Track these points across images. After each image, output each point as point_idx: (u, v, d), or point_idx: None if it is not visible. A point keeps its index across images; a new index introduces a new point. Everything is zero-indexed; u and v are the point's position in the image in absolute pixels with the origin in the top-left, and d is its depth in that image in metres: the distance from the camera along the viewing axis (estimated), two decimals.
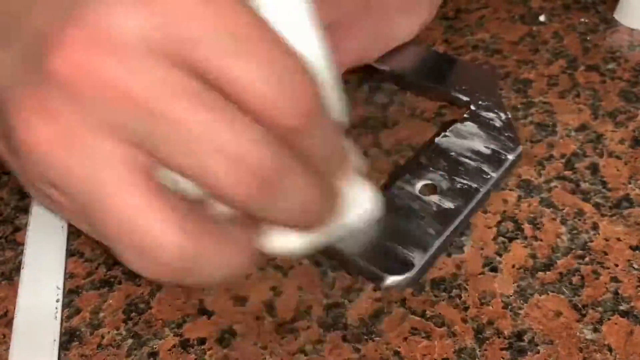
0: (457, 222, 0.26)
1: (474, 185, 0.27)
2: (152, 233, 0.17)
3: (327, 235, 0.21)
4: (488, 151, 0.29)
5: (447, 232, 0.26)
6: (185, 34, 0.16)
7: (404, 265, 0.24)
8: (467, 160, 0.28)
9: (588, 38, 0.37)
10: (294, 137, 0.18)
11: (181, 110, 0.16)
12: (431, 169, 0.28)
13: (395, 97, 0.34)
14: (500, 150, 0.29)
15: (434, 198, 0.27)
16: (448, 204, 0.26)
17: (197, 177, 0.17)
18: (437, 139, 0.30)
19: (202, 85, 0.16)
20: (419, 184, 0.27)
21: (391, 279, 0.24)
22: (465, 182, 0.27)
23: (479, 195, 0.27)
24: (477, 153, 0.28)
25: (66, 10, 0.17)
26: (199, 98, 0.16)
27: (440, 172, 0.28)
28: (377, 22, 0.33)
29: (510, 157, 0.28)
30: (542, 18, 0.38)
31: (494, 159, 0.28)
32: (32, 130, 0.17)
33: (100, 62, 0.16)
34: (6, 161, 0.21)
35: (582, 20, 0.38)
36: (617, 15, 0.38)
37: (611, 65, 0.35)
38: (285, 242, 0.20)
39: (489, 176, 0.28)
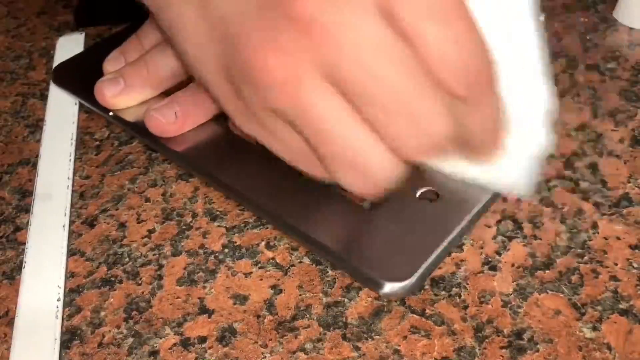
0: (458, 229, 0.25)
1: (477, 193, 0.26)
2: (370, 161, 0.22)
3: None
4: None
5: (449, 239, 0.25)
6: None
7: (404, 273, 0.24)
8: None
9: (588, 37, 0.37)
10: (457, 104, 0.21)
11: (383, 69, 0.20)
12: (434, 174, 0.27)
13: None
14: None
15: (436, 204, 0.26)
16: (450, 211, 0.26)
17: (377, 128, 0.21)
18: None
19: (404, 49, 0.19)
20: (421, 190, 0.27)
21: (389, 286, 0.24)
22: (467, 189, 0.27)
23: (481, 203, 0.26)
24: None
25: None
26: (400, 63, 0.20)
27: (443, 179, 0.27)
28: None
29: None
30: (541, 17, 0.38)
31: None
32: (268, 61, 0.20)
33: (331, 14, 0.19)
34: (217, 92, 0.24)
35: (582, 19, 0.38)
36: (617, 15, 0.38)
37: (611, 65, 0.35)
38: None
39: None
